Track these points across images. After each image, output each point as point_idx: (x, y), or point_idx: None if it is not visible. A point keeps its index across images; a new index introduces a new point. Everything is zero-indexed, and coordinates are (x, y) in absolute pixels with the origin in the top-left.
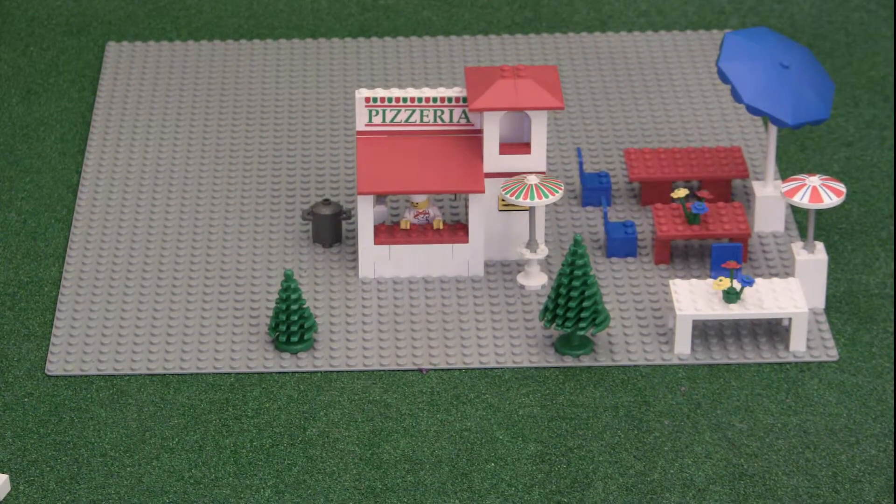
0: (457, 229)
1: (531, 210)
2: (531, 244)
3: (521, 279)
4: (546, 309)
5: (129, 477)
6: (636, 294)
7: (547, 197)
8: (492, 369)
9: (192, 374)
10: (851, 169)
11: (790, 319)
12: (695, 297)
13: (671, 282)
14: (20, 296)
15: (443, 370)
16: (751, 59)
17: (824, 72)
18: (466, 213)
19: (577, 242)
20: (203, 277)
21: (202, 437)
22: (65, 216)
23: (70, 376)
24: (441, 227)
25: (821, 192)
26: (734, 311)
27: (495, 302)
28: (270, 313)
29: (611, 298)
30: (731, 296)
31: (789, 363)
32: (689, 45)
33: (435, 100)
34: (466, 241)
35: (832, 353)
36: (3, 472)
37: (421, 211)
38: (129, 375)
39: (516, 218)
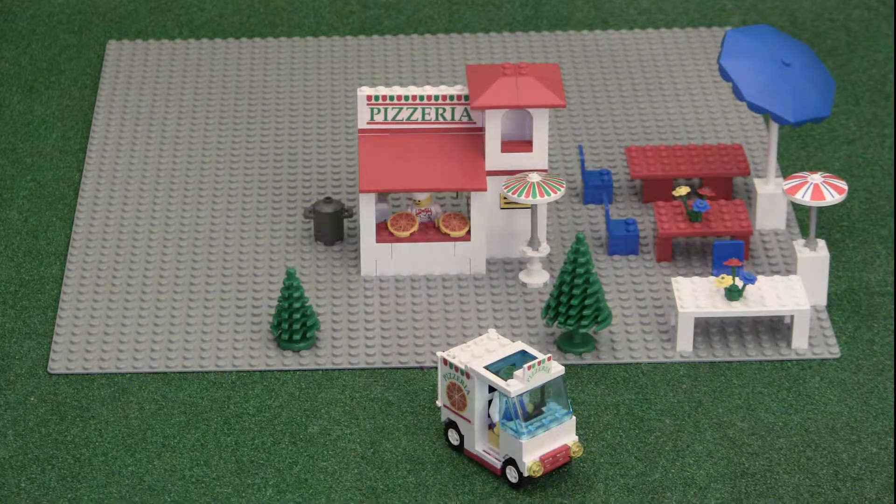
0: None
1: (533, 208)
2: (533, 242)
3: (522, 277)
4: (548, 307)
5: (131, 475)
6: (638, 292)
7: (549, 195)
8: None
9: (193, 372)
10: (852, 167)
11: (792, 317)
12: (697, 295)
13: (673, 279)
14: (22, 294)
15: None
16: (752, 56)
17: (825, 69)
18: (468, 211)
19: (579, 240)
20: (205, 275)
21: (204, 436)
22: (66, 214)
23: (72, 374)
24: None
25: (823, 189)
26: (736, 309)
27: (497, 300)
28: (272, 311)
29: (613, 296)
30: (732, 293)
31: (791, 361)
32: (691, 42)
33: (437, 98)
34: (468, 240)
35: (834, 351)
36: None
37: (423, 209)
38: (130, 373)
39: (518, 216)
